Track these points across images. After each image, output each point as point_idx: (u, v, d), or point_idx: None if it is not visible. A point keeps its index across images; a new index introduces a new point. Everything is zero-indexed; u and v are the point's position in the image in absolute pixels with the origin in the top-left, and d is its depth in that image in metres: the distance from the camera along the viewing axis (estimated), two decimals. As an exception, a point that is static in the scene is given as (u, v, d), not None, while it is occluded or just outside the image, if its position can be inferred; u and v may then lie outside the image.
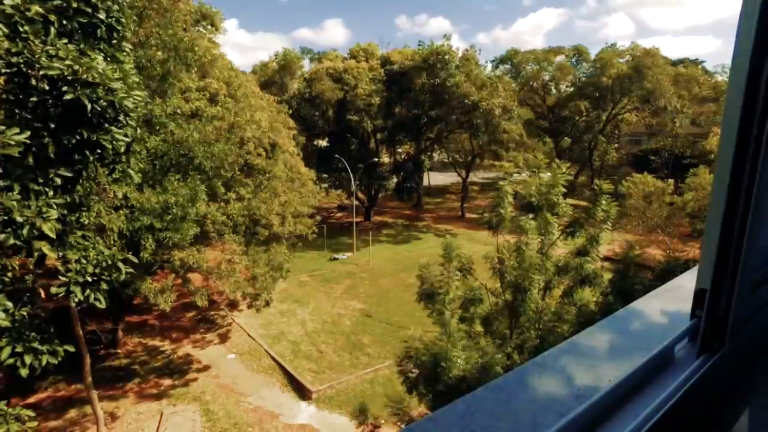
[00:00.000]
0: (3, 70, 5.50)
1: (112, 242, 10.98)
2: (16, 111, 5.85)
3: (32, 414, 7.15)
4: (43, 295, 8.18)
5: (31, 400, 15.01)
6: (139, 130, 7.87)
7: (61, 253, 6.99)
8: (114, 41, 6.76)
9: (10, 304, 6.42)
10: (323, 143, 40.41)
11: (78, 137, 5.80)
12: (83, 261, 7.13)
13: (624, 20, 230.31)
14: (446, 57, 34.95)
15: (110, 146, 6.10)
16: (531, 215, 9.82)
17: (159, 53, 13.37)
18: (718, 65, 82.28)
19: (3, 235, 5.42)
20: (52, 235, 5.62)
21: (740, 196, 0.99)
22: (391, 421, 10.31)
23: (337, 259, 30.53)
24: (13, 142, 5.02)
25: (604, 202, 9.70)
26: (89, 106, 5.58)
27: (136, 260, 8.28)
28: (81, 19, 6.15)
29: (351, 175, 32.97)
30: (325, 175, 36.97)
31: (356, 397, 15.73)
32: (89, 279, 7.09)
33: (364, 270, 28.60)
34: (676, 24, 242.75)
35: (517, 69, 51.44)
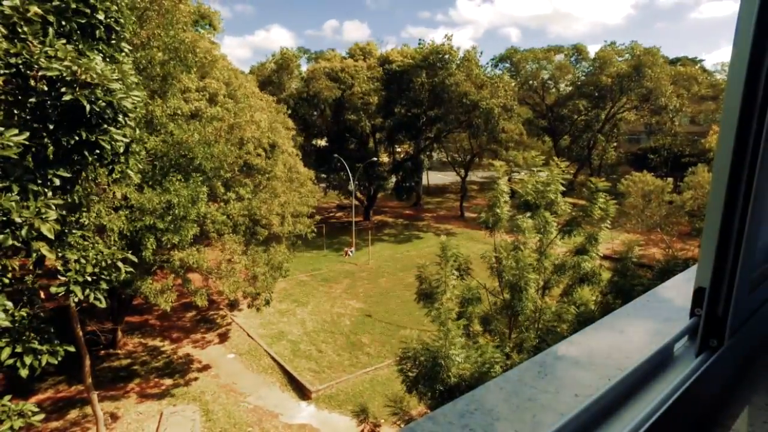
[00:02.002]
0: (2, 71, 5.49)
1: (112, 242, 10.98)
2: (15, 111, 5.84)
3: (36, 408, 7.11)
4: (42, 294, 8.17)
5: (32, 400, 14.98)
6: (138, 131, 7.86)
7: (60, 254, 6.98)
8: (113, 41, 6.75)
9: (10, 304, 6.41)
10: (322, 143, 40.35)
11: (77, 138, 5.79)
12: (83, 261, 7.12)
13: (515, 31, 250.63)
14: (446, 56, 34.91)
15: (109, 147, 6.09)
16: (528, 214, 9.76)
17: (160, 54, 13.35)
18: (717, 63, 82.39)
19: (1, 236, 5.41)
20: (51, 236, 5.60)
21: (739, 195, 0.99)
22: (391, 421, 10.31)
23: (349, 255, 30.82)
24: (11, 144, 5.01)
25: (601, 200, 9.62)
26: (88, 107, 5.57)
27: (135, 260, 8.28)
28: (79, 20, 6.13)
29: (350, 175, 32.94)
30: (323, 175, 36.92)
31: (356, 396, 15.74)
32: (89, 278, 7.08)
33: (363, 269, 28.60)
34: (569, 32, 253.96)
35: (516, 68, 51.39)
